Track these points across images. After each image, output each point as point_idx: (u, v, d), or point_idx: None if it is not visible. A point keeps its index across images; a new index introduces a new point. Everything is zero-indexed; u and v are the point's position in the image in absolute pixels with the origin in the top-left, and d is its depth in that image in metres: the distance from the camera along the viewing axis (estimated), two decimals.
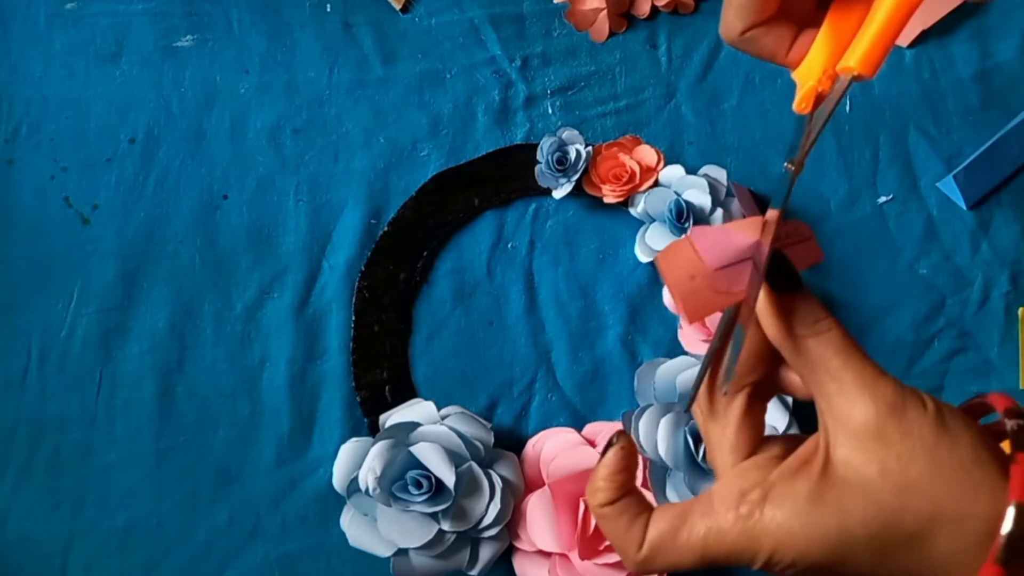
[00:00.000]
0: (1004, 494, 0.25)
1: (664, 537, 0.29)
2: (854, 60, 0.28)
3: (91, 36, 0.53)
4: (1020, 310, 0.52)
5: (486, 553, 0.44)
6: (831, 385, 0.27)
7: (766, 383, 0.31)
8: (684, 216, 0.49)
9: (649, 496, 0.45)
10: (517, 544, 0.45)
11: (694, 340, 0.48)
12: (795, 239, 0.30)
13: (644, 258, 0.51)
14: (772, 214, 0.29)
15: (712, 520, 0.28)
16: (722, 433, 0.30)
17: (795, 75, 0.30)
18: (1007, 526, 0.24)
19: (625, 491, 0.30)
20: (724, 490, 0.28)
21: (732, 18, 0.30)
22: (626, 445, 0.31)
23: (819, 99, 0.29)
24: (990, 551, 0.24)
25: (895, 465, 0.25)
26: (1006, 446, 0.27)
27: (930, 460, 0.25)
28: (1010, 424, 0.26)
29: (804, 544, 0.26)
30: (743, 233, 0.29)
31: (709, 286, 0.28)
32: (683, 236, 0.29)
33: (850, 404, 0.26)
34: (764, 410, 0.31)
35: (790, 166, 0.29)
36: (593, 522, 0.43)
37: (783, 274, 0.28)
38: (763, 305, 0.28)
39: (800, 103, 0.29)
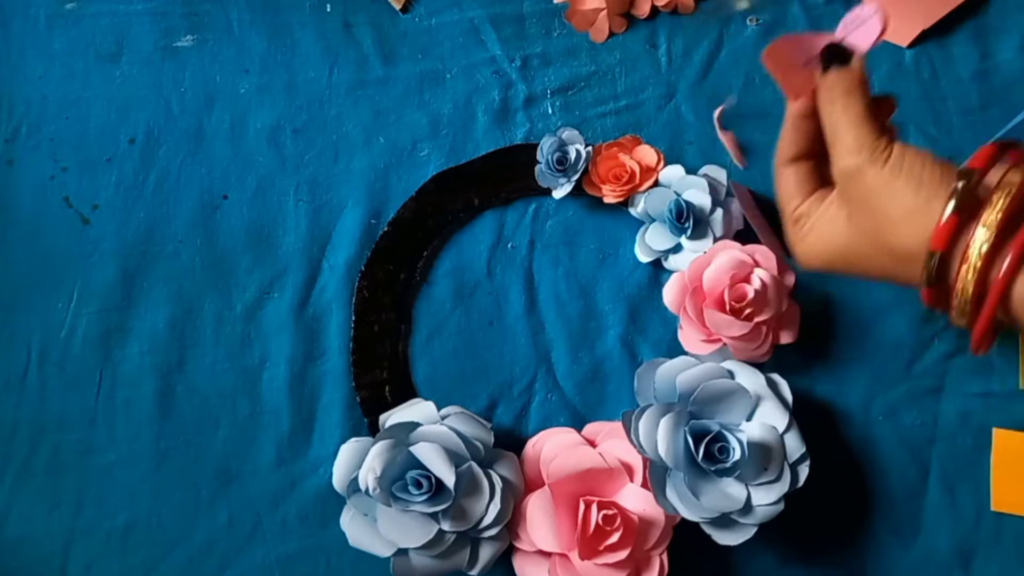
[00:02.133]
0: (927, 240, 0.33)
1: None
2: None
3: (91, 36, 0.53)
4: None
5: (486, 553, 0.44)
6: (831, 148, 0.37)
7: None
8: (684, 216, 0.49)
9: None
10: (517, 544, 0.45)
11: (694, 340, 0.48)
12: (861, 21, 0.37)
13: (644, 258, 0.51)
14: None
15: (791, 240, 0.40)
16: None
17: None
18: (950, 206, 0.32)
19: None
20: (795, 216, 0.40)
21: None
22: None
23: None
24: (922, 276, 0.34)
25: (856, 213, 0.36)
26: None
27: (876, 212, 0.34)
28: (956, 184, 0.33)
29: (816, 257, 0.39)
30: (815, 39, 0.37)
31: (799, 74, 0.38)
32: (781, 38, 0.37)
33: (834, 162, 0.36)
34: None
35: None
36: (593, 522, 0.43)
37: (833, 57, 0.37)
38: (823, 81, 0.37)
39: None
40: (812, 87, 0.37)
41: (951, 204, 0.32)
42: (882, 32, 0.36)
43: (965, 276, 0.32)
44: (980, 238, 0.32)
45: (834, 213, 0.37)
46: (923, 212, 0.33)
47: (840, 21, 0.37)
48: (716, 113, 0.53)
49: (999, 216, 0.32)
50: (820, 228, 0.38)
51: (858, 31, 0.37)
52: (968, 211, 0.32)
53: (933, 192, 0.33)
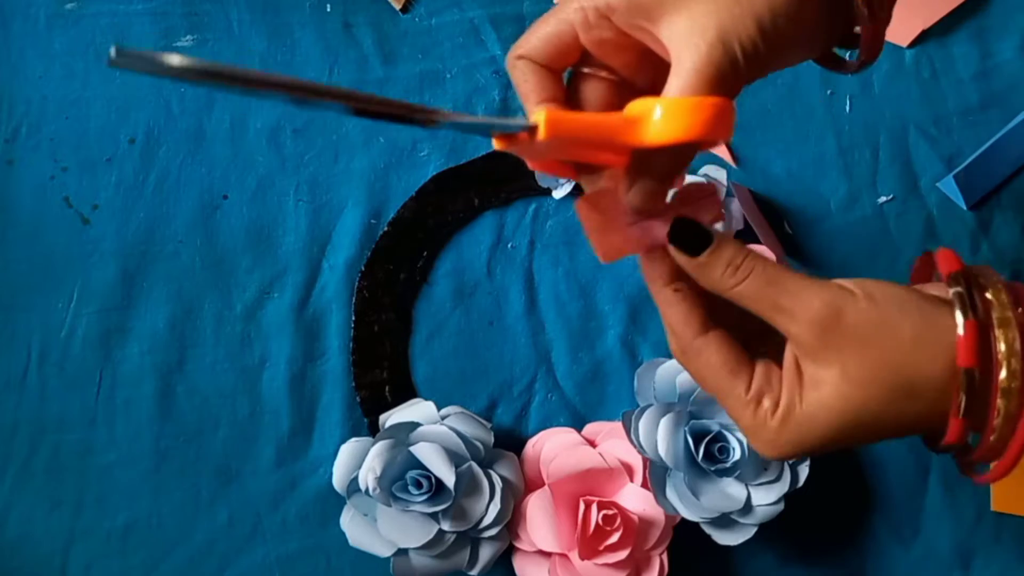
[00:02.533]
0: (950, 359, 0.28)
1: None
2: (546, 113, 0.28)
3: (91, 36, 0.53)
4: None
5: (486, 553, 0.44)
6: (775, 316, 0.30)
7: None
8: None
9: None
10: (517, 544, 0.45)
11: None
12: (698, 197, 0.32)
13: None
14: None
15: (756, 433, 0.31)
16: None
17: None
18: (962, 392, 0.28)
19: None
20: (754, 399, 0.31)
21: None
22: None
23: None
24: (951, 405, 0.28)
25: (852, 366, 0.29)
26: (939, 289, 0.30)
27: (879, 352, 0.29)
28: (952, 290, 0.29)
29: (812, 443, 0.30)
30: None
31: (621, 234, 0.31)
32: (602, 190, 0.31)
33: (795, 326, 0.29)
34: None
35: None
36: (593, 522, 0.43)
37: (689, 236, 0.30)
38: (687, 266, 0.30)
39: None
40: (631, 249, 0.31)
41: (959, 312, 0.28)
42: (716, 217, 0.32)
43: (1007, 385, 0.28)
44: (1007, 339, 0.28)
45: (818, 378, 0.29)
46: (931, 331, 0.28)
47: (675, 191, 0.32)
48: None
49: (1009, 311, 0.28)
50: (808, 402, 0.30)
51: (694, 206, 0.32)
52: (977, 312, 0.28)
53: (924, 308, 0.29)
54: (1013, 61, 0.54)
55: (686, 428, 0.44)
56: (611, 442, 0.47)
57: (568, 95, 0.32)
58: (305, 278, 0.51)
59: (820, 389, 0.29)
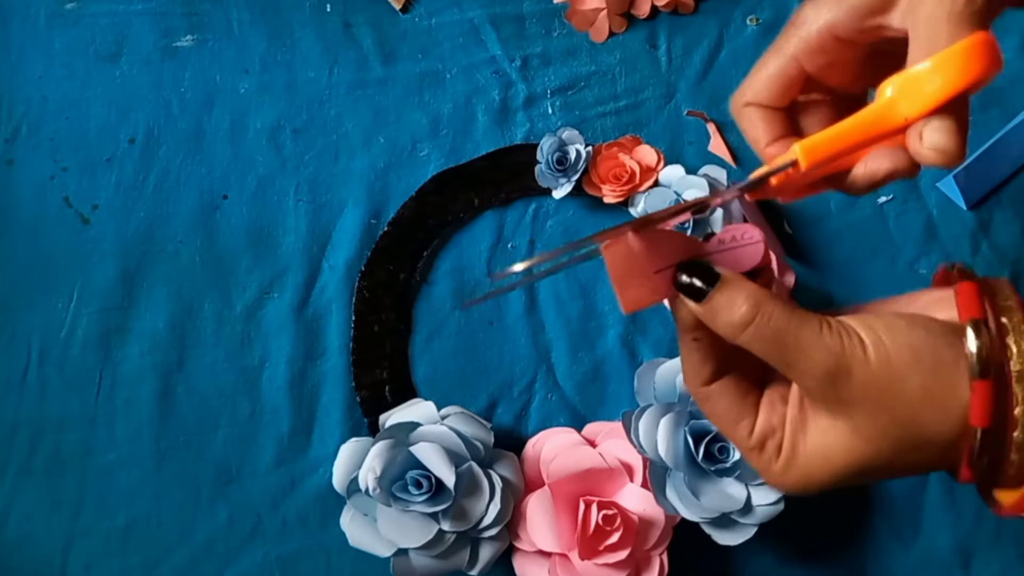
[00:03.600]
0: (962, 416, 0.27)
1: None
2: (799, 145, 0.29)
3: (91, 36, 0.53)
4: None
5: (486, 553, 0.44)
6: (784, 368, 0.29)
7: None
8: None
9: None
10: (517, 544, 0.45)
11: None
12: (739, 244, 0.31)
13: None
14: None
15: (764, 472, 0.32)
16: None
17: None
18: (974, 451, 0.27)
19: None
20: (757, 443, 0.31)
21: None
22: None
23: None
24: (963, 457, 0.28)
25: (860, 420, 0.28)
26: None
27: (888, 409, 0.28)
28: (968, 345, 0.27)
29: (817, 483, 0.30)
30: (680, 241, 0.30)
31: (645, 284, 0.30)
32: (626, 230, 0.30)
33: (805, 380, 0.29)
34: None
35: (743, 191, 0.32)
36: (593, 522, 0.43)
37: (693, 282, 0.30)
38: (696, 312, 0.30)
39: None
40: (655, 299, 0.30)
41: (975, 370, 0.27)
42: (758, 264, 0.31)
43: (1022, 438, 0.27)
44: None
45: (825, 426, 0.30)
46: (943, 387, 0.27)
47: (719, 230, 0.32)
48: (695, 113, 0.53)
49: None
50: (813, 447, 0.30)
51: (733, 252, 0.31)
52: (991, 368, 0.27)
53: (938, 356, 0.28)
54: (1013, 61, 0.54)
55: (686, 428, 0.44)
56: (611, 442, 0.47)
57: (793, 127, 0.33)
58: (305, 278, 0.51)
59: (827, 437, 0.29)
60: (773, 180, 0.30)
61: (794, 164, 0.29)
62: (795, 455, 0.30)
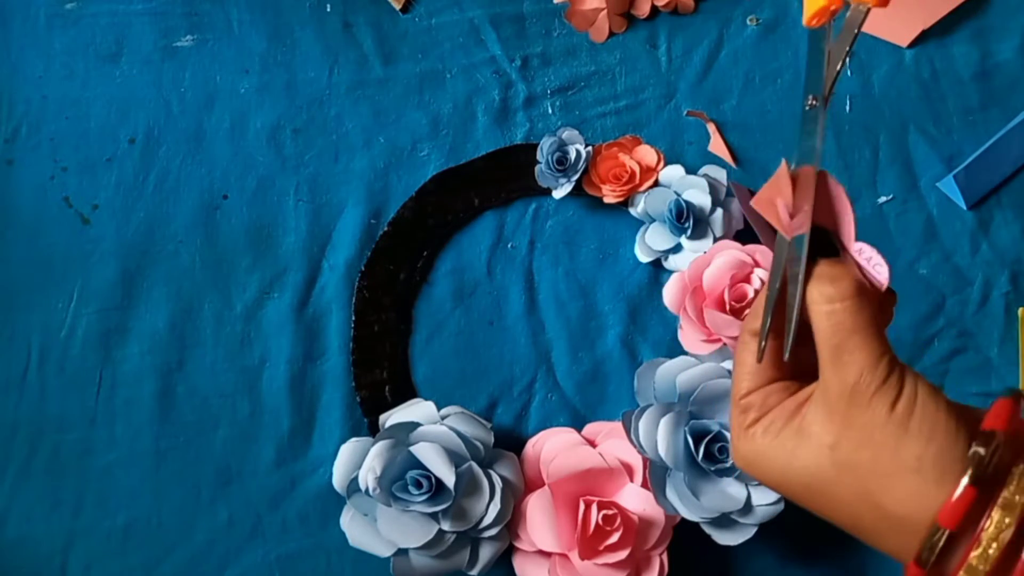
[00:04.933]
0: (933, 507, 0.27)
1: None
2: None
3: (91, 36, 0.53)
4: (1020, 310, 0.52)
5: (486, 553, 0.44)
6: (825, 352, 0.30)
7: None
8: (684, 216, 0.49)
9: None
10: (517, 544, 0.45)
11: (694, 340, 0.48)
12: (868, 264, 0.31)
13: (644, 258, 0.51)
14: (807, 170, 0.30)
15: (732, 430, 0.33)
16: (753, 364, 0.33)
17: None
18: (926, 547, 0.27)
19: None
20: (743, 404, 0.32)
21: None
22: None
23: (831, 16, 0.29)
24: (914, 550, 0.27)
25: (845, 445, 0.29)
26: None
27: (874, 455, 0.28)
28: (974, 449, 0.27)
29: (763, 471, 0.31)
30: (846, 209, 0.31)
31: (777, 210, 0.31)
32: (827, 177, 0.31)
33: (831, 376, 0.29)
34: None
35: (814, 102, 0.30)
36: (593, 522, 0.43)
37: (821, 246, 0.30)
38: (808, 270, 0.30)
39: (810, 18, 0.29)
40: (772, 219, 0.31)
41: (968, 474, 0.26)
42: (881, 287, 0.31)
43: (975, 565, 0.26)
44: (999, 522, 0.26)
45: (813, 430, 0.30)
46: (930, 473, 0.27)
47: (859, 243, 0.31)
48: (696, 114, 0.53)
49: (1020, 496, 0.26)
50: (785, 440, 0.30)
51: (869, 264, 0.31)
52: (985, 483, 0.26)
53: (945, 450, 0.27)
54: (1013, 61, 0.54)
55: (686, 428, 0.44)
56: (611, 442, 0.47)
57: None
58: (305, 278, 0.51)
59: (801, 440, 0.30)
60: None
61: None
62: (767, 435, 0.31)
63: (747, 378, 0.32)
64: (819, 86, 0.30)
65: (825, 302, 0.30)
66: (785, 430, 0.30)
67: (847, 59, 0.30)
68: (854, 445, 0.28)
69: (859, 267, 0.31)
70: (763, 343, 0.32)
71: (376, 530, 0.44)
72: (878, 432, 0.28)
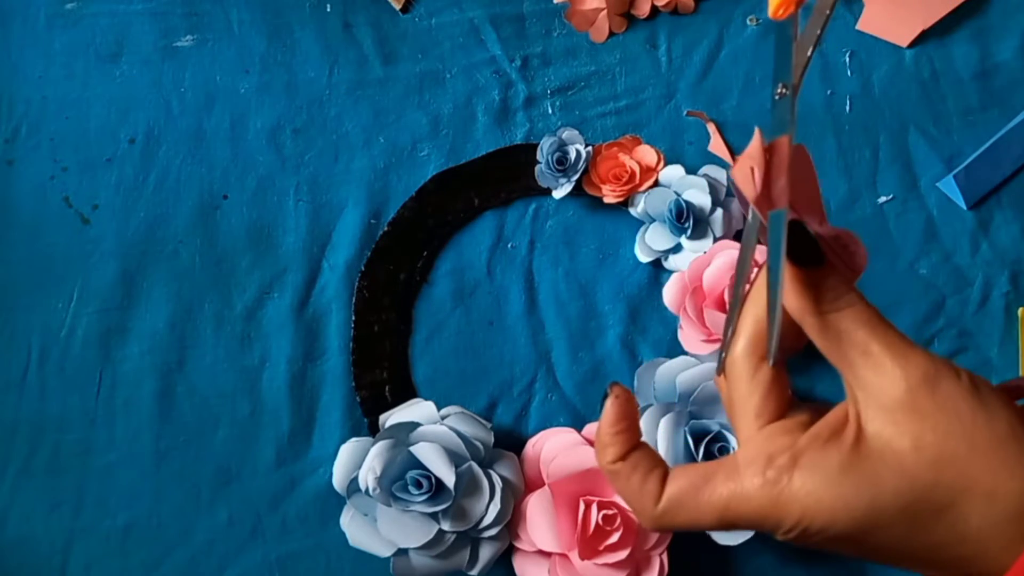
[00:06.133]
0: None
1: (684, 495, 0.28)
2: None
3: (91, 36, 0.53)
4: (1020, 310, 0.52)
5: (486, 553, 0.44)
6: (858, 359, 0.26)
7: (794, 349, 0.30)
8: (684, 216, 0.49)
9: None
10: (517, 544, 0.45)
11: (694, 340, 0.48)
12: (846, 249, 0.29)
13: (644, 258, 0.51)
14: (783, 140, 0.27)
15: (737, 483, 0.27)
16: (748, 398, 0.29)
17: None
18: None
19: (633, 444, 0.29)
20: (751, 453, 0.27)
21: None
22: (620, 393, 0.30)
23: (797, 5, 0.27)
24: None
25: (930, 438, 0.25)
26: None
27: (965, 434, 0.25)
28: None
29: (832, 513, 0.26)
30: (816, 195, 0.28)
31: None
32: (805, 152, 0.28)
33: (880, 377, 0.26)
34: (788, 376, 0.30)
35: (783, 90, 0.27)
36: (593, 522, 0.43)
37: (804, 248, 0.27)
38: (786, 280, 0.27)
39: (775, 9, 0.27)
40: (746, 191, 0.28)
41: None
42: (858, 272, 0.29)
43: None
44: None
45: (882, 443, 0.26)
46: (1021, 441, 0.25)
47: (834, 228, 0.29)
48: (697, 114, 0.53)
49: None
50: (852, 473, 0.26)
51: (840, 250, 0.29)
52: None
53: (1019, 414, 0.25)
54: (1013, 61, 0.54)
55: (686, 428, 0.44)
56: None
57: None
58: (305, 278, 0.51)
59: (877, 459, 0.26)
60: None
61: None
62: (814, 475, 0.26)
63: (754, 420, 0.28)
64: (788, 74, 0.28)
65: (834, 307, 0.27)
66: (841, 461, 0.26)
67: (818, 45, 0.28)
68: (940, 434, 0.25)
69: (835, 253, 0.28)
70: (772, 348, 0.28)
71: (376, 530, 0.44)
72: (964, 411, 0.25)
